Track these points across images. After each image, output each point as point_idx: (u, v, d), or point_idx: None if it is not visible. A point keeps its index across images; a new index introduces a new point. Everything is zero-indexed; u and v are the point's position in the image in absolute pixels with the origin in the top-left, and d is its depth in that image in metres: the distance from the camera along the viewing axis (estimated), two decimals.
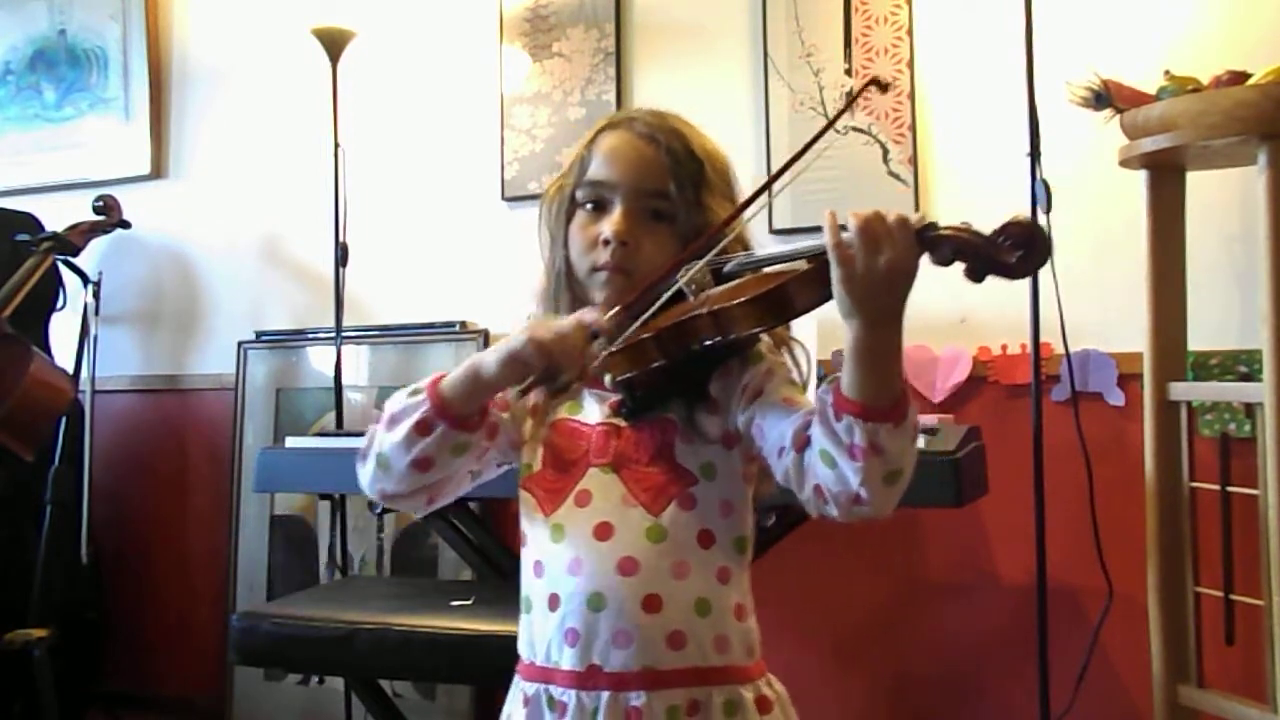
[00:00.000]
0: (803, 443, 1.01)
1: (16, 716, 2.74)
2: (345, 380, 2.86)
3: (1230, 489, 2.08)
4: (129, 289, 3.32)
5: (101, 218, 3.10)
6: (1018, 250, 0.90)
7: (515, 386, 1.04)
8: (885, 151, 2.51)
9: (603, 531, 1.09)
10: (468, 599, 2.11)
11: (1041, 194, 2.04)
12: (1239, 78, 1.87)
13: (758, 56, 2.64)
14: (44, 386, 2.74)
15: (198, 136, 3.32)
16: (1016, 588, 2.36)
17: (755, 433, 1.08)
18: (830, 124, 1.13)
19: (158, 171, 3.34)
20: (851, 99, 1.10)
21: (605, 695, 1.07)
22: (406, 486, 1.12)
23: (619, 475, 1.11)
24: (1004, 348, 2.39)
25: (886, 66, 2.52)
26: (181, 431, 3.30)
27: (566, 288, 1.18)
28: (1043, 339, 2.11)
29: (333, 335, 2.84)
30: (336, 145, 2.81)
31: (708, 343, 1.03)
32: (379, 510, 2.55)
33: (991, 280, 0.93)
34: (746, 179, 1.17)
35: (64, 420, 2.81)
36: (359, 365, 3.01)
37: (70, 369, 2.99)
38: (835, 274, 0.93)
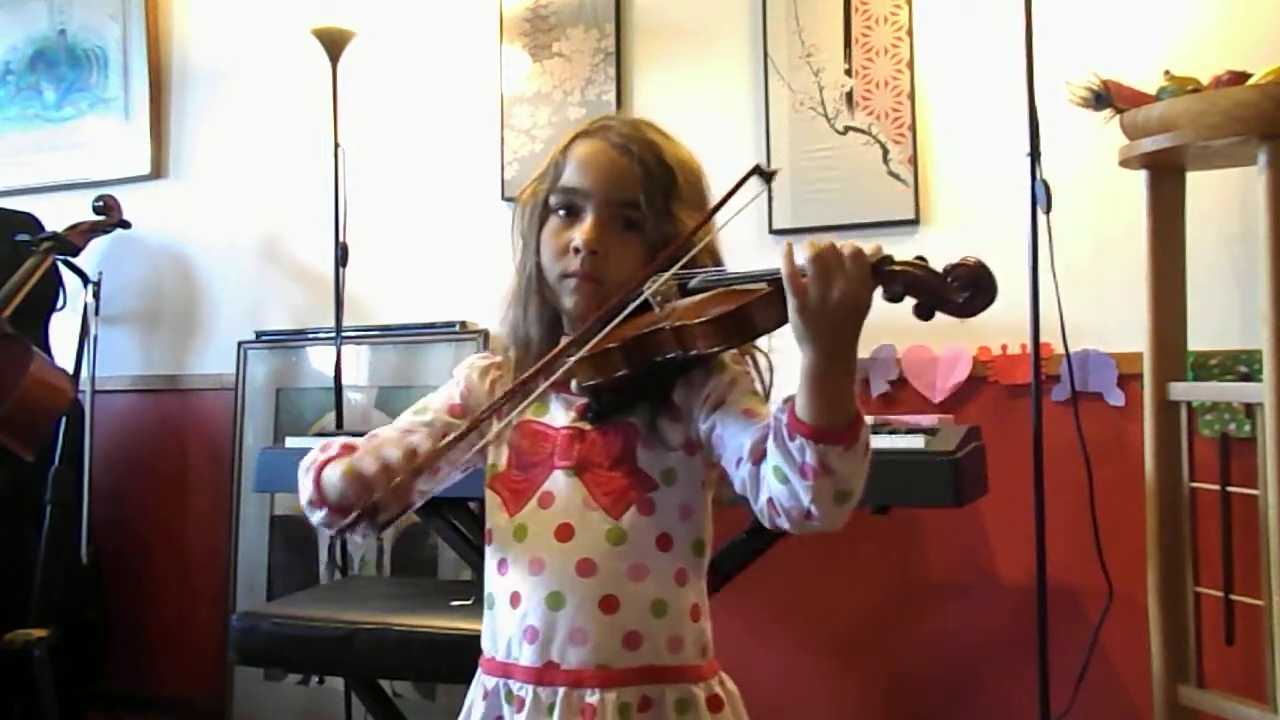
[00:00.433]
0: (759, 455, 1.03)
1: (16, 716, 2.74)
2: (345, 380, 2.86)
3: (1230, 489, 2.08)
4: (129, 289, 3.32)
5: (101, 218, 3.10)
6: (964, 291, 0.91)
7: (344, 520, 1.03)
8: (885, 151, 2.51)
9: (564, 533, 1.12)
10: (468, 599, 2.11)
11: (1041, 194, 2.04)
12: (1239, 78, 1.87)
13: (758, 56, 2.64)
14: (44, 386, 2.74)
15: (198, 136, 3.32)
16: (1016, 588, 2.36)
17: (715, 442, 1.10)
18: (717, 207, 1.12)
19: (158, 171, 3.34)
20: (736, 186, 1.09)
21: (561, 691, 1.10)
22: (327, 530, 1.13)
23: (581, 479, 1.13)
24: (1004, 348, 2.40)
25: (886, 66, 2.51)
26: (181, 431, 3.30)
27: (536, 291, 1.20)
28: (1043, 339, 2.11)
29: (333, 335, 2.84)
30: (336, 145, 2.81)
31: (670, 356, 1.05)
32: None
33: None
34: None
35: (64, 420, 2.81)
36: (359, 365, 3.01)
37: (70, 369, 2.99)
38: (790, 303, 0.94)
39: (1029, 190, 2.05)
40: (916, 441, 1.93)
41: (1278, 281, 1.80)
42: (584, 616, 1.10)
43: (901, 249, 0.96)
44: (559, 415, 1.17)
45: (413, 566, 2.89)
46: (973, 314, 0.93)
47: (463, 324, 2.89)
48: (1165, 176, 2.03)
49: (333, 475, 1.07)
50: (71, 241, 2.98)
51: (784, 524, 1.02)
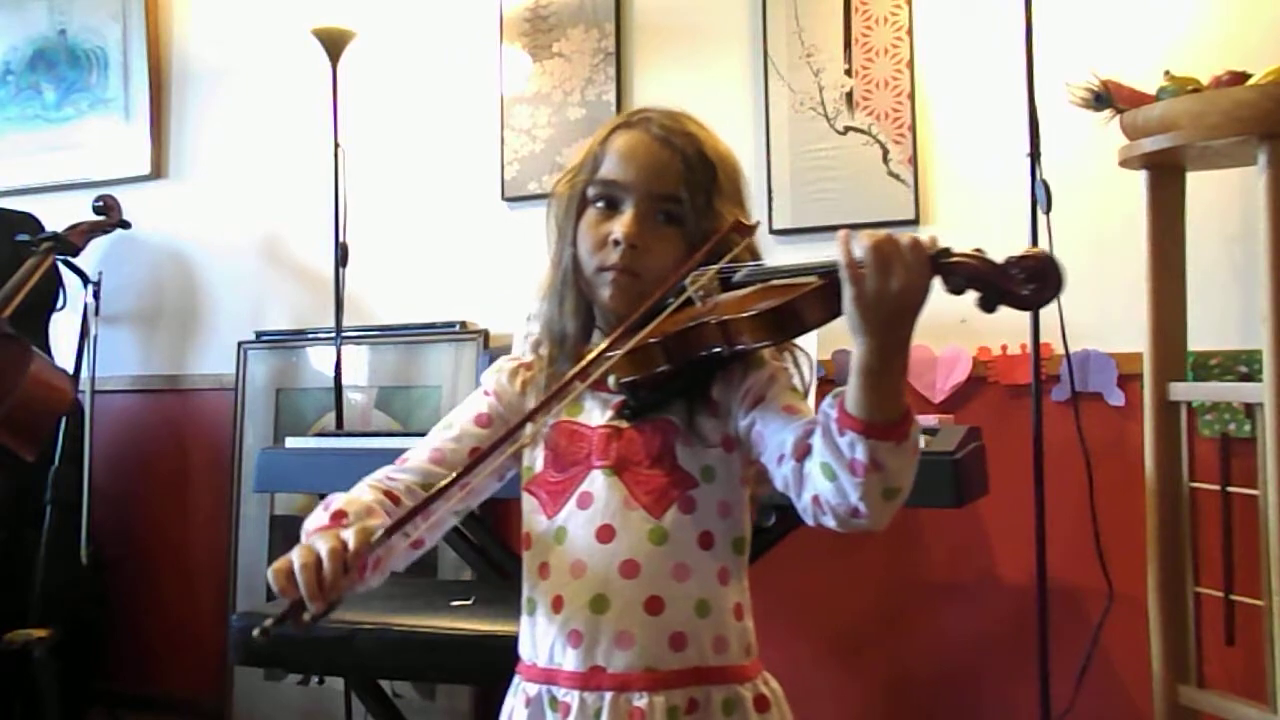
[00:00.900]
0: (803, 452, 1.01)
1: (17, 716, 2.74)
2: (345, 380, 2.85)
3: (1230, 489, 2.09)
4: (129, 289, 3.32)
5: (101, 218, 3.10)
6: (1031, 283, 0.90)
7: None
8: (885, 151, 2.51)
9: (605, 534, 1.10)
10: (468, 599, 2.11)
11: (1041, 194, 2.04)
12: (1239, 78, 1.87)
13: (758, 56, 2.64)
14: (44, 386, 2.74)
15: (198, 136, 3.32)
16: (1016, 588, 2.36)
17: (755, 438, 1.09)
18: (703, 254, 1.08)
19: (158, 171, 3.34)
20: (716, 238, 1.08)
21: (608, 695, 1.07)
22: None
23: (620, 477, 1.11)
24: (1004, 348, 2.39)
25: (886, 66, 2.51)
26: (181, 431, 3.30)
27: (573, 285, 1.17)
28: (1043, 339, 2.11)
29: (333, 335, 2.84)
30: (336, 145, 2.81)
31: (714, 351, 1.03)
32: None
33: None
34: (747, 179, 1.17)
35: (64, 420, 2.81)
36: (359, 365, 3.01)
37: (70, 369, 2.99)
38: (846, 293, 0.92)
39: (1029, 190, 2.05)
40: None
41: (1278, 281, 1.80)
42: (629, 618, 1.08)
43: None
44: (595, 414, 1.15)
45: (413, 566, 2.87)
46: (1039, 306, 0.92)
47: (463, 324, 2.89)
48: (1165, 176, 2.03)
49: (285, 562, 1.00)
50: (71, 241, 2.98)
51: (829, 522, 1.01)
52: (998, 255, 0.92)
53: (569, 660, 1.10)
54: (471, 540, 2.53)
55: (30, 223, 3.14)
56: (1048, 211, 2.03)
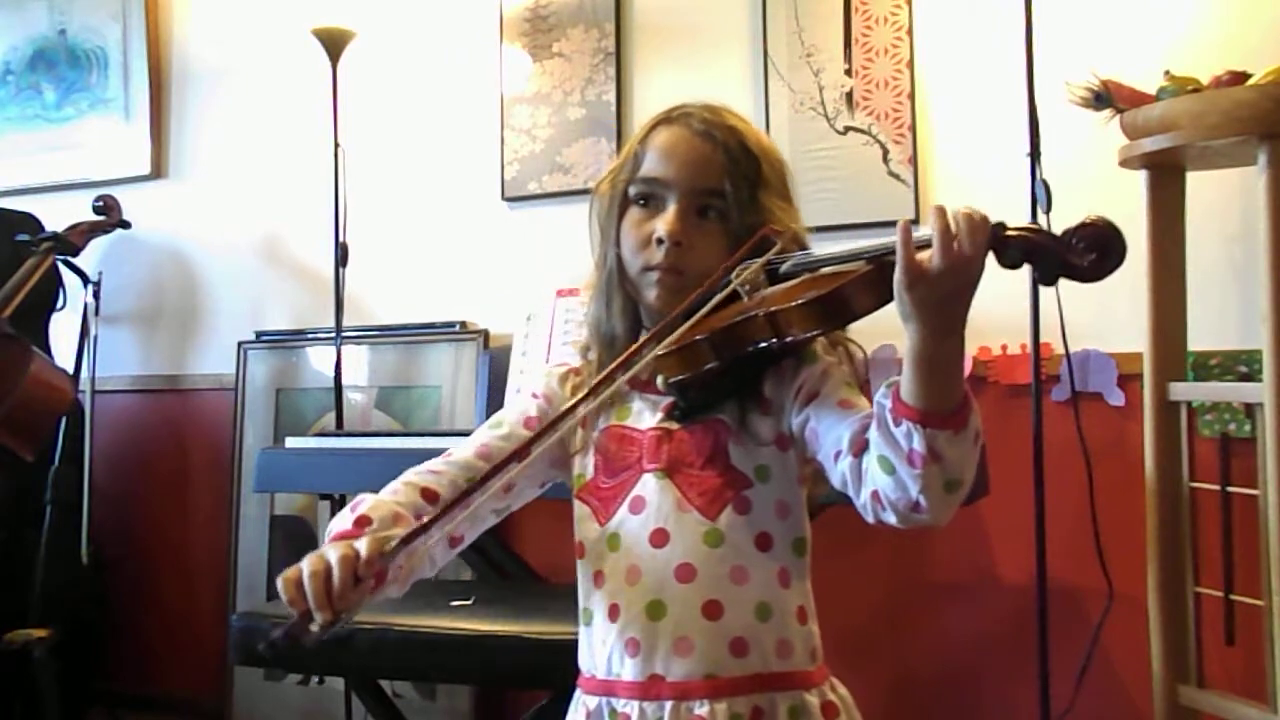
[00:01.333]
0: (860, 447, 0.98)
1: (17, 716, 2.74)
2: (345, 380, 2.85)
3: (1230, 489, 2.09)
4: (129, 289, 3.32)
5: (101, 218, 3.10)
6: (1090, 253, 0.86)
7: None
8: (885, 152, 2.51)
9: (659, 538, 1.08)
10: (468, 599, 2.11)
11: (1041, 194, 2.04)
12: (1239, 78, 1.87)
13: (758, 56, 2.64)
14: (44, 386, 2.74)
15: (198, 136, 3.32)
16: (1016, 588, 2.36)
17: (810, 435, 1.06)
18: (735, 262, 1.06)
19: (158, 171, 3.34)
20: (747, 244, 1.06)
21: (669, 705, 1.05)
22: None
23: (672, 480, 1.09)
24: (1004, 348, 2.39)
25: (886, 66, 2.51)
26: (181, 431, 3.30)
27: (619, 286, 1.15)
28: (1043, 339, 2.11)
29: (333, 335, 2.84)
30: (336, 145, 2.81)
31: (763, 345, 1.00)
32: None
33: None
34: None
35: (64, 420, 2.81)
36: (359, 365, 3.01)
37: (70, 369, 2.99)
38: (898, 278, 0.89)
39: (1029, 190, 2.05)
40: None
41: (1278, 281, 1.80)
42: (687, 624, 1.05)
43: None
44: (645, 417, 1.13)
45: None
46: (1101, 277, 0.87)
47: (463, 324, 2.89)
48: (1165, 176, 2.03)
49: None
50: (71, 241, 2.98)
51: (890, 518, 0.98)
52: (1056, 229, 0.88)
53: (627, 670, 1.07)
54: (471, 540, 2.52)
55: (30, 223, 3.14)
56: (1048, 211, 2.03)
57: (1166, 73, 1.96)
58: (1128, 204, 2.10)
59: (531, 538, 2.59)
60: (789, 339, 0.99)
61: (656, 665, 1.06)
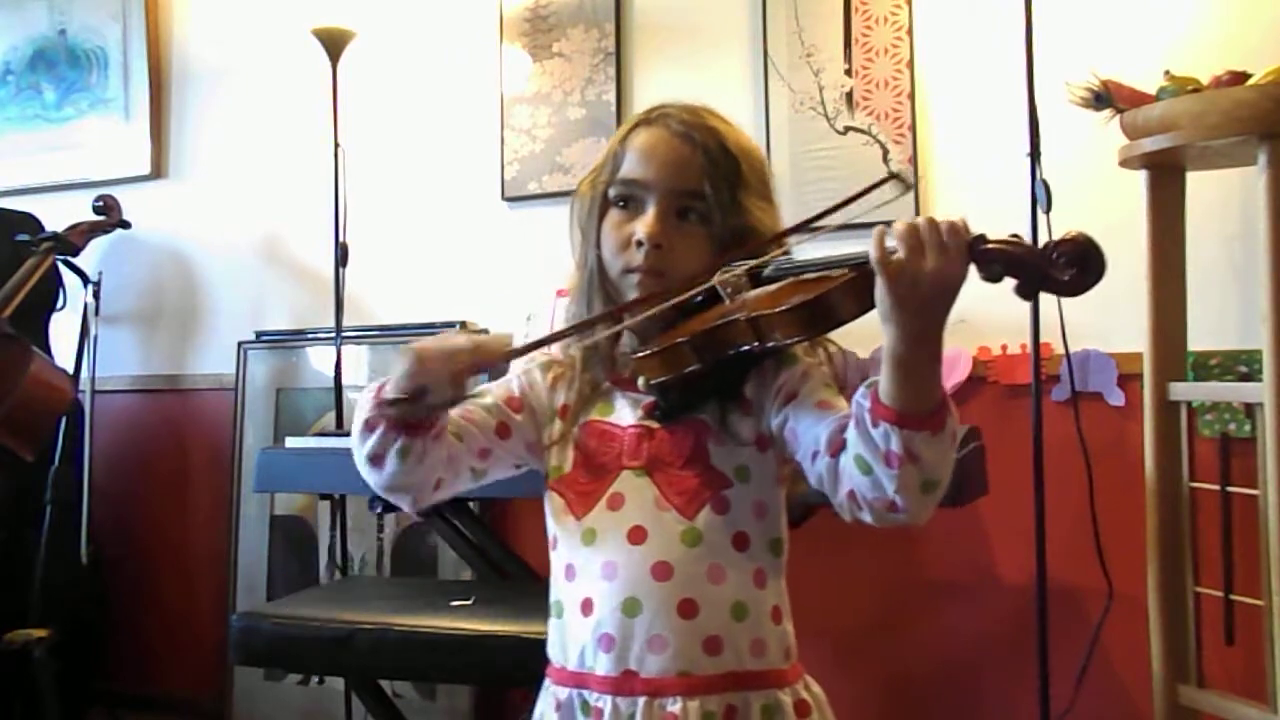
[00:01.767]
0: (838, 447, 0.99)
1: (17, 716, 2.74)
2: (345, 380, 2.85)
3: (1230, 489, 2.09)
4: (129, 289, 3.32)
5: (101, 218, 3.11)
6: (1071, 268, 0.87)
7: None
8: (885, 152, 2.51)
9: (636, 535, 1.08)
10: (468, 599, 2.11)
11: (1041, 194, 2.04)
12: (1239, 78, 1.87)
13: (758, 56, 2.64)
14: (44, 386, 2.74)
15: (198, 136, 3.32)
16: (1016, 588, 2.36)
17: (789, 436, 1.07)
18: (847, 202, 1.08)
19: (158, 171, 3.34)
20: (870, 189, 1.08)
21: (641, 701, 1.06)
22: (375, 482, 1.11)
23: (652, 478, 1.10)
24: (1004, 348, 2.39)
25: (886, 66, 2.51)
26: (181, 431, 3.30)
27: (599, 287, 1.15)
28: (1043, 339, 2.11)
29: (333, 335, 2.84)
30: (336, 145, 2.81)
31: (744, 348, 1.01)
32: (378, 509, 2.55)
33: (1006, 280, 0.92)
34: None
35: (64, 420, 2.81)
36: (359, 365, 3.01)
37: (70, 369, 2.99)
38: (879, 284, 0.90)
39: (1029, 190, 2.05)
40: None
41: (1278, 281, 1.80)
42: (662, 622, 1.06)
43: None
44: (626, 414, 1.13)
45: (413, 566, 2.89)
46: (1080, 292, 0.88)
47: (463, 324, 2.89)
48: (1165, 176, 2.03)
49: (394, 377, 1.04)
50: (71, 241, 2.98)
51: (866, 517, 0.99)
52: (1036, 242, 0.90)
53: (601, 664, 1.07)
54: (471, 540, 2.52)
55: (30, 223, 3.13)
56: (1048, 211, 2.03)
57: (1166, 73, 1.96)
58: (1128, 204, 2.11)
59: (531, 538, 2.59)
60: (771, 344, 0.99)
61: (630, 661, 1.06)
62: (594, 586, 1.09)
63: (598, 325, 1.05)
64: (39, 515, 2.75)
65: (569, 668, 1.11)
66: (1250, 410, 2.06)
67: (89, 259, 3.12)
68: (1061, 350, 2.19)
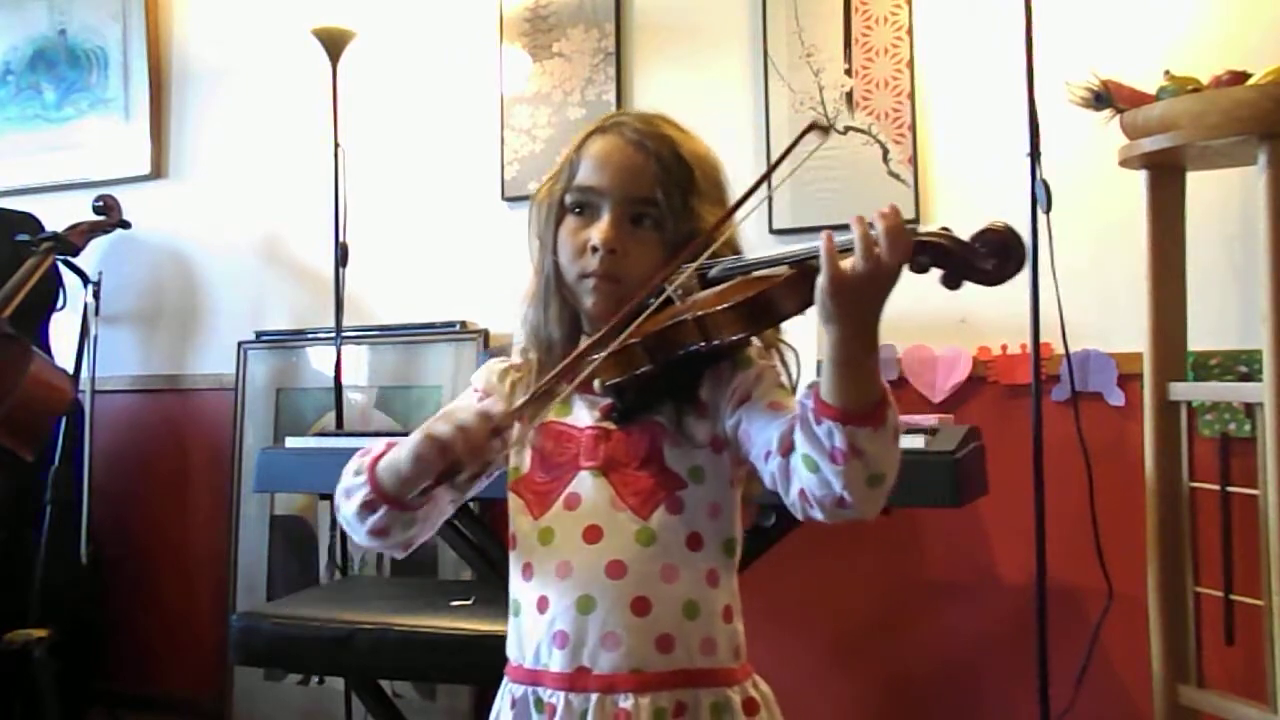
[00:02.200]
0: (788, 447, 1.01)
1: (17, 716, 2.74)
2: (345, 380, 2.86)
3: (1230, 489, 2.09)
4: (129, 289, 3.32)
5: (101, 218, 3.11)
6: (993, 257, 0.90)
7: (425, 483, 1.06)
8: (885, 151, 2.51)
9: (592, 534, 1.10)
10: (468, 599, 2.11)
11: (1041, 194, 2.04)
12: (1239, 78, 1.87)
13: (758, 56, 2.64)
14: (44, 386, 2.74)
15: (198, 136, 3.32)
16: (1016, 588, 2.36)
17: (743, 437, 1.09)
18: (778, 161, 1.09)
19: (158, 171, 3.34)
20: (795, 141, 1.07)
21: (594, 697, 1.07)
22: (371, 544, 1.15)
23: (608, 479, 1.12)
24: (1004, 348, 2.39)
25: (886, 66, 2.52)
26: (181, 431, 3.30)
27: (555, 292, 1.18)
28: (1043, 339, 2.11)
29: (333, 335, 2.84)
30: (336, 145, 2.81)
31: (694, 348, 1.03)
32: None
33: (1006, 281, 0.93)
34: (746, 179, 1.16)
35: (64, 420, 2.81)
36: (359, 365, 3.01)
37: (70, 369, 2.99)
38: (821, 280, 0.92)
39: (1029, 190, 2.05)
40: (916, 441, 1.93)
41: (1278, 281, 1.80)
42: (615, 619, 1.08)
43: None
44: (583, 415, 1.16)
45: (413, 566, 2.89)
46: (1001, 281, 0.91)
47: (463, 324, 2.89)
48: (1165, 176, 2.03)
49: (394, 460, 1.08)
50: (71, 241, 2.98)
51: (817, 514, 1.00)
52: (963, 234, 0.92)
53: (555, 661, 1.09)
54: (471, 540, 2.52)
55: (30, 223, 3.13)
56: (1048, 211, 2.03)
57: (1166, 73, 1.96)
58: (1128, 204, 2.11)
59: None
60: (716, 341, 1.02)
61: (584, 658, 1.08)
62: (550, 585, 1.11)
63: (588, 355, 1.07)
64: (39, 515, 2.75)
65: (525, 665, 1.13)
66: (1250, 410, 2.06)
67: (89, 259, 3.12)
68: (1061, 350, 2.19)
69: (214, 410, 3.21)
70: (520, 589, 1.15)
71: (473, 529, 2.53)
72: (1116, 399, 2.31)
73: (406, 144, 3.03)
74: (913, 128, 2.49)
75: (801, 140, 1.07)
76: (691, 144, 1.17)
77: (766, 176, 1.10)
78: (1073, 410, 2.15)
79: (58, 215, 3.10)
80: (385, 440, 1.14)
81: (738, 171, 1.21)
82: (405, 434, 1.11)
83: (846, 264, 0.91)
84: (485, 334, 2.86)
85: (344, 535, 2.85)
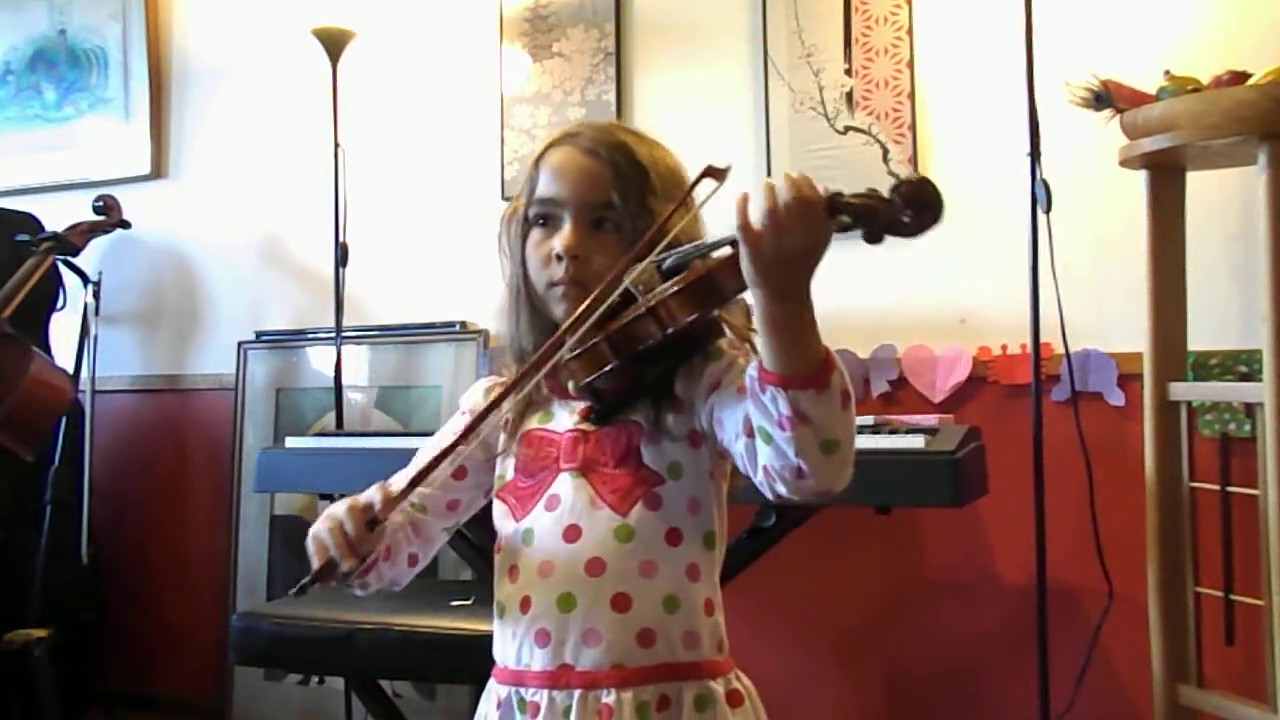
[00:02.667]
0: (751, 427, 1.02)
1: (16, 716, 2.74)
2: (345, 380, 2.86)
3: (1230, 489, 2.09)
4: (129, 289, 3.32)
5: (101, 218, 3.11)
6: (908, 209, 0.91)
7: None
8: (885, 151, 2.51)
9: (571, 534, 1.12)
10: (468, 599, 2.11)
11: (1041, 194, 2.04)
12: (1239, 78, 1.87)
13: (758, 56, 2.64)
14: (44, 386, 2.74)
15: (198, 136, 3.32)
16: (1016, 588, 2.36)
17: (716, 425, 1.10)
18: (674, 209, 1.09)
19: (158, 171, 3.34)
20: (691, 187, 1.09)
21: (577, 693, 1.09)
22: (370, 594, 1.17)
23: (587, 478, 1.13)
24: (1004, 348, 2.39)
25: (886, 66, 2.52)
26: (181, 431, 3.30)
27: (525, 303, 1.20)
28: (1043, 339, 2.11)
29: (333, 335, 2.84)
30: (336, 145, 2.81)
31: (656, 338, 1.04)
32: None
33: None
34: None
35: (64, 420, 2.81)
36: (359, 365, 3.01)
37: (70, 369, 2.99)
38: (743, 252, 0.93)
39: (1029, 190, 2.05)
40: (916, 441, 1.93)
41: (1278, 281, 1.80)
42: (596, 616, 1.09)
43: (901, 247, 0.95)
44: (564, 420, 1.18)
45: None
46: (920, 232, 0.92)
47: (463, 324, 2.89)
48: (1165, 176, 2.03)
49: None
50: (71, 241, 2.98)
51: (782, 489, 1.00)
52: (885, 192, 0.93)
53: (537, 660, 1.11)
54: (471, 540, 2.52)
55: (30, 223, 3.14)
56: (1048, 211, 2.03)
57: (1166, 73, 1.96)
58: (1128, 204, 2.11)
59: None
60: (671, 328, 1.03)
61: (566, 655, 1.10)
62: (532, 585, 1.13)
63: (549, 356, 1.08)
64: (39, 515, 2.75)
65: (509, 666, 1.14)
66: (1250, 410, 2.06)
67: (89, 259, 3.12)
68: (1061, 350, 2.19)
69: (214, 410, 3.21)
70: (505, 591, 1.16)
71: (473, 529, 2.52)
72: (1116, 399, 2.31)
73: (406, 144, 3.03)
74: (913, 128, 2.49)
75: (698, 185, 1.08)
76: (646, 147, 1.20)
77: (672, 214, 1.10)
78: (1073, 410, 2.15)
79: (57, 215, 3.10)
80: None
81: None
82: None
83: (757, 223, 0.92)
84: (485, 334, 2.86)
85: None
